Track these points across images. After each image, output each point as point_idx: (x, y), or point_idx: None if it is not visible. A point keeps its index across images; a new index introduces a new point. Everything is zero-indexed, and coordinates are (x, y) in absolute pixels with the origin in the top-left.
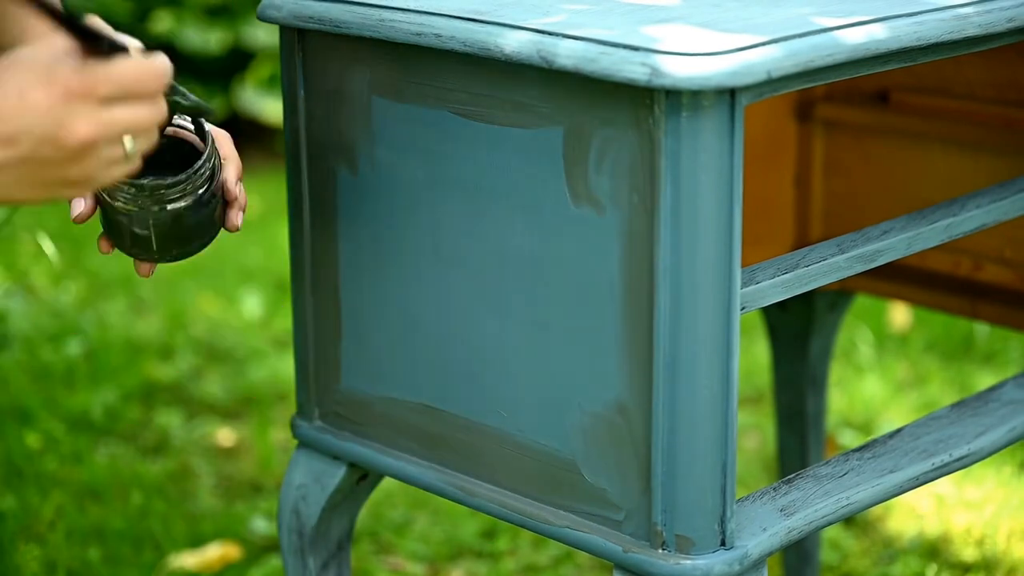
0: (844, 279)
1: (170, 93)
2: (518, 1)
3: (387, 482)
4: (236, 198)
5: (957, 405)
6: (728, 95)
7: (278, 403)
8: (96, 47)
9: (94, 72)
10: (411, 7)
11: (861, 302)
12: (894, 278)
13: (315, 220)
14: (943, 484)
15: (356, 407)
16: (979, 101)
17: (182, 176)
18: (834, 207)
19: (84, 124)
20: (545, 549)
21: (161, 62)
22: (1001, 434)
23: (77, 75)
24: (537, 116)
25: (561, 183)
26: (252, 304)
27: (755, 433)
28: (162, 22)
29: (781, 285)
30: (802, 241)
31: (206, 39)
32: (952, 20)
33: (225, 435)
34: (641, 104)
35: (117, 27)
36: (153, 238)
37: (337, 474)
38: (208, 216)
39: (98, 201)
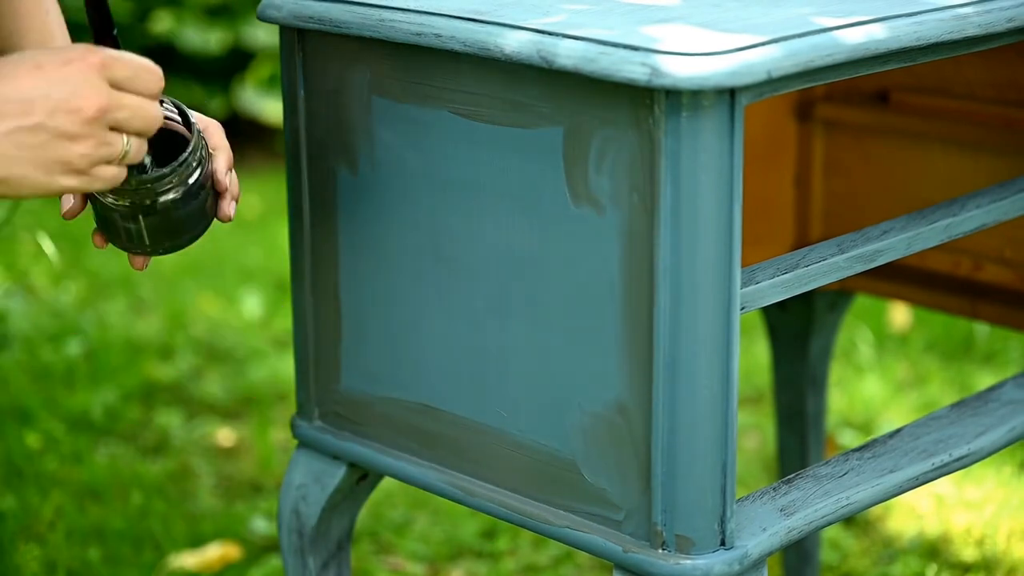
0: (844, 279)
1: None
2: (518, 1)
3: (387, 482)
4: (227, 188)
5: (957, 405)
6: (728, 95)
7: (278, 403)
8: (107, 36)
9: (108, 53)
10: (411, 7)
11: (861, 302)
12: (894, 278)
13: (315, 220)
14: (943, 484)
15: (356, 407)
16: (979, 101)
17: (167, 169)
18: (834, 207)
19: (97, 94)
20: (545, 549)
21: (157, 67)
22: (1001, 434)
23: (94, 52)
24: (537, 116)
25: (561, 183)
26: (252, 304)
27: (755, 433)
28: (162, 22)
29: (781, 285)
30: (802, 241)
31: (206, 39)
32: (952, 20)
33: (225, 435)
34: (641, 104)
35: (117, 28)
36: (144, 231)
37: (337, 474)
38: (199, 207)
39: (89, 196)
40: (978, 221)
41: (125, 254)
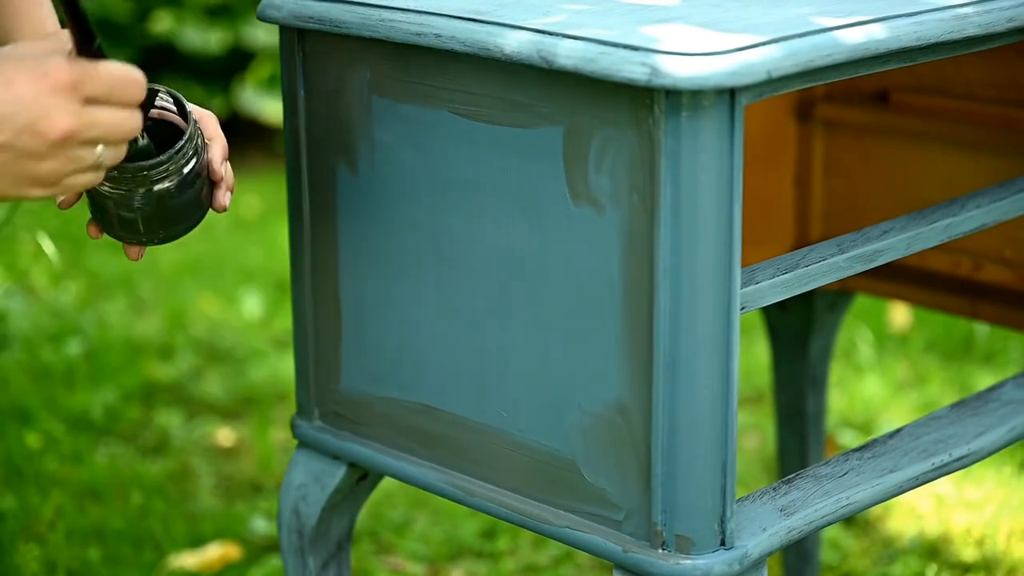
0: (844, 279)
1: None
2: (518, 1)
3: (387, 482)
4: (222, 178)
5: (957, 405)
6: (728, 95)
7: (278, 403)
8: (88, 46)
9: (83, 69)
10: (411, 7)
11: (861, 302)
12: (894, 278)
13: (315, 220)
14: (943, 484)
15: (356, 407)
16: (979, 101)
17: (163, 156)
18: (834, 207)
19: (66, 117)
20: (545, 549)
21: (140, 73)
22: (1001, 434)
23: (66, 70)
24: (537, 116)
25: (561, 183)
26: (252, 304)
27: (755, 433)
28: (162, 22)
29: (781, 285)
30: (802, 241)
31: (206, 39)
32: (952, 20)
33: (225, 435)
34: (641, 104)
35: (117, 27)
36: (139, 220)
37: (337, 474)
38: (194, 197)
39: None
40: (978, 221)
41: (125, 255)
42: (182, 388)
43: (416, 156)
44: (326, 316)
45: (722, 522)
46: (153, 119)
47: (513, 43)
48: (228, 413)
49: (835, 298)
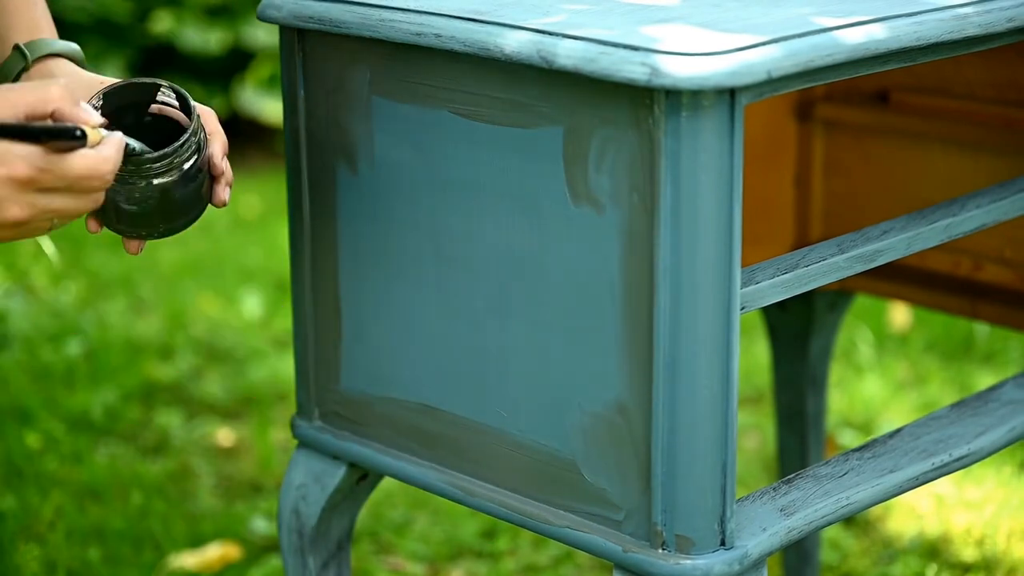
0: (844, 279)
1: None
2: (518, 1)
3: (387, 482)
4: (222, 173)
5: (957, 405)
6: (728, 95)
7: (278, 403)
8: (55, 141)
9: (44, 165)
10: (411, 7)
11: (861, 302)
12: (894, 278)
13: (315, 220)
14: (943, 484)
15: (356, 407)
16: (979, 101)
17: (168, 150)
18: (834, 207)
19: (18, 209)
20: (545, 549)
21: (109, 155)
22: (1001, 434)
23: (24, 166)
24: (537, 116)
25: (561, 183)
26: (252, 304)
27: (755, 433)
28: (162, 22)
29: (781, 285)
30: (802, 241)
31: (206, 39)
32: (952, 20)
33: (225, 435)
34: (641, 104)
35: (117, 27)
36: (140, 214)
37: (337, 474)
38: (195, 191)
39: None
40: (978, 221)
41: (125, 254)
42: (182, 388)
43: (416, 156)
44: (326, 316)
45: (722, 522)
46: (153, 115)
47: (513, 43)
48: (228, 413)
49: (835, 298)
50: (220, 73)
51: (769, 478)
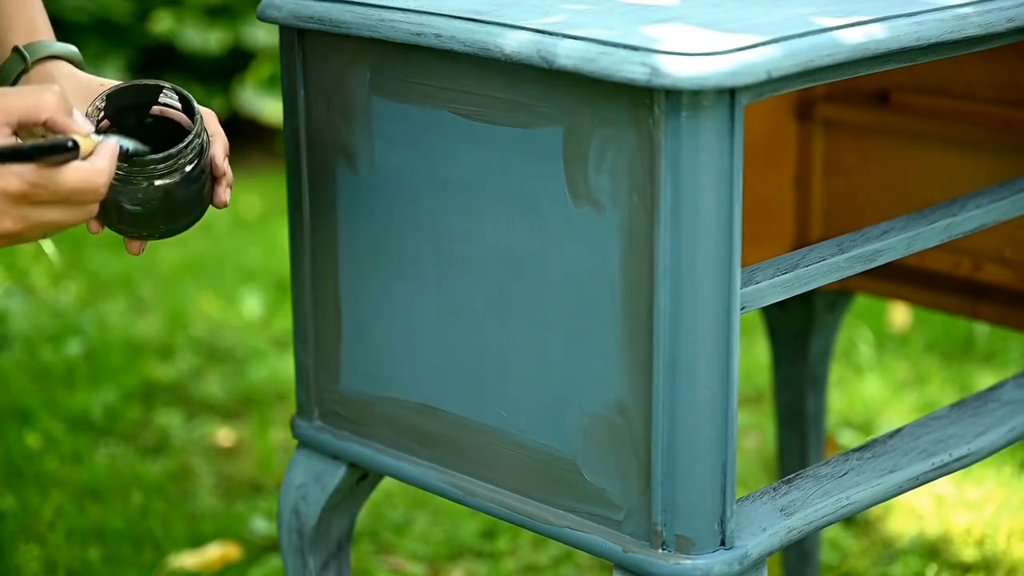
0: (844, 279)
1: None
2: (518, 1)
3: (387, 482)
4: (224, 174)
5: (957, 405)
6: (728, 95)
7: (278, 403)
8: (48, 157)
9: (38, 180)
10: (411, 7)
11: (861, 302)
12: (894, 278)
13: (315, 220)
14: (943, 484)
15: (356, 407)
16: (979, 101)
17: (172, 151)
18: (834, 207)
19: (11, 222)
20: (545, 549)
21: (103, 167)
22: (1001, 434)
23: (17, 181)
24: (537, 116)
25: (561, 183)
26: (252, 304)
27: (755, 433)
28: (162, 22)
29: (781, 285)
30: (802, 241)
31: (206, 39)
32: (952, 20)
33: (225, 435)
34: (641, 104)
35: (117, 27)
36: (142, 214)
37: (337, 474)
38: (197, 192)
39: None
40: (978, 221)
41: (125, 254)
42: (182, 388)
43: (416, 156)
44: (326, 316)
45: (722, 522)
46: (155, 116)
47: (513, 43)
48: (228, 413)
49: (835, 298)
50: (220, 73)
51: (769, 478)
